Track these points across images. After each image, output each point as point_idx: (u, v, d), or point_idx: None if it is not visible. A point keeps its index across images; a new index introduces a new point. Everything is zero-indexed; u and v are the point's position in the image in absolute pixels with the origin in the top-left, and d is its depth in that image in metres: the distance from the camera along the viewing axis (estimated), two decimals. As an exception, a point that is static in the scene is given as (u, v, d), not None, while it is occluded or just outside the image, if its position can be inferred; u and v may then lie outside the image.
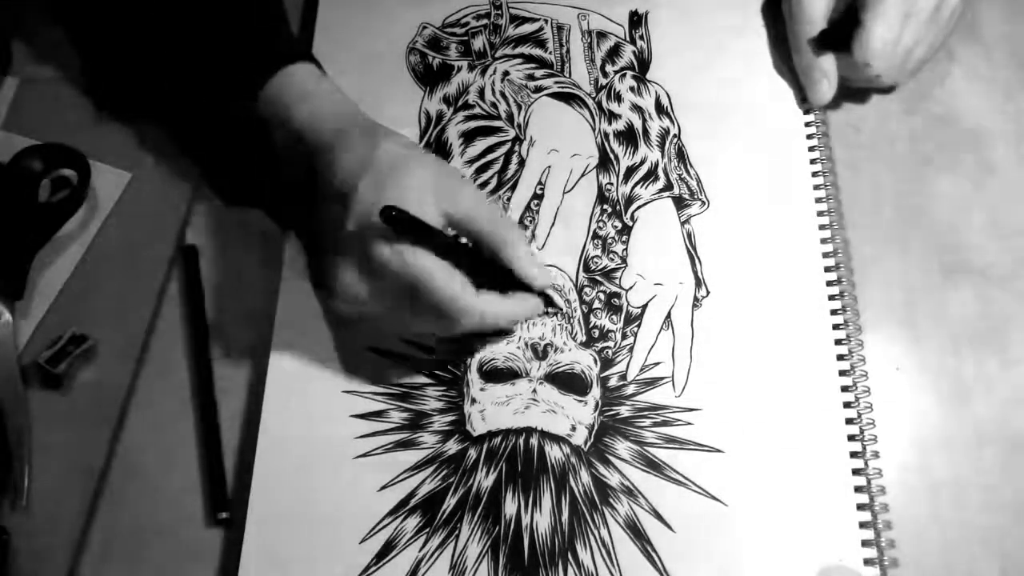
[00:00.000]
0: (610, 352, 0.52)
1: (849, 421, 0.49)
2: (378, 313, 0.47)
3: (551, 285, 0.49)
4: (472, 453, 0.50)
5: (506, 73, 0.61)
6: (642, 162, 0.57)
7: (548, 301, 0.50)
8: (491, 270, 0.47)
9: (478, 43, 0.62)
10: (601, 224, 0.56)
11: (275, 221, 0.56)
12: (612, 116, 0.59)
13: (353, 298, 0.47)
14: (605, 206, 0.56)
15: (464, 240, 0.47)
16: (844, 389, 0.50)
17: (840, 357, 0.50)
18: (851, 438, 0.48)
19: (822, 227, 0.54)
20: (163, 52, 0.54)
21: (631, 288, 0.54)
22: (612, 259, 0.55)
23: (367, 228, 0.45)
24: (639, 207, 0.56)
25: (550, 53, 0.62)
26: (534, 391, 0.51)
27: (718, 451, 0.49)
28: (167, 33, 0.53)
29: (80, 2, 0.58)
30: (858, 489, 0.47)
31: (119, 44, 0.58)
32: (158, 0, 0.53)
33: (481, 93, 0.60)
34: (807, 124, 0.57)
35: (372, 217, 0.44)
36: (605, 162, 0.58)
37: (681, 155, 0.57)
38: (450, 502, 0.49)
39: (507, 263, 0.46)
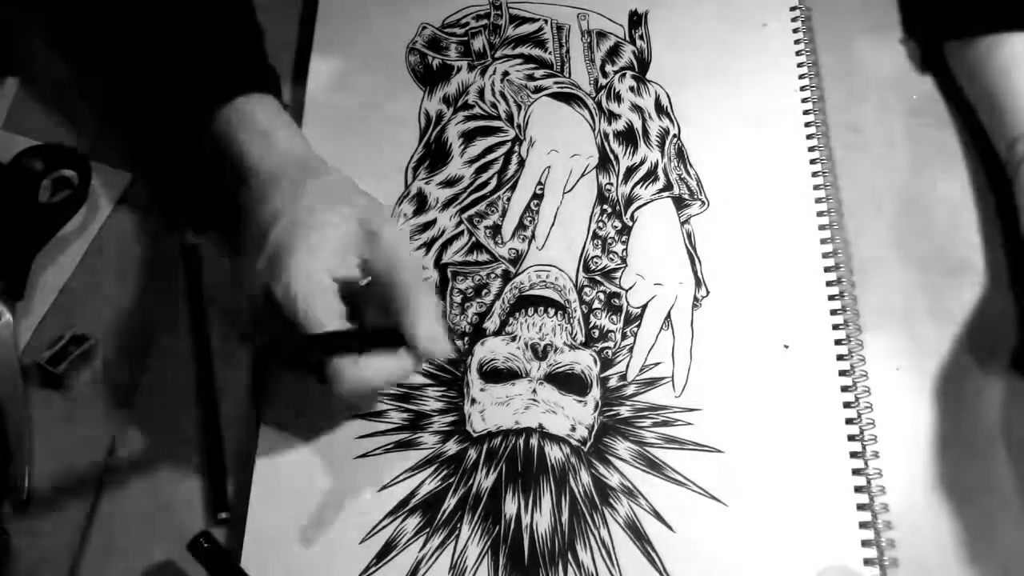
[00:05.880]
0: (610, 352, 0.52)
1: (849, 421, 0.49)
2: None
3: (434, 356, 0.44)
4: (472, 453, 0.50)
5: (506, 73, 0.61)
6: (642, 162, 0.57)
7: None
8: (386, 331, 0.45)
9: (478, 43, 0.62)
10: (601, 224, 0.56)
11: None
12: (612, 116, 0.59)
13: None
14: (605, 206, 0.56)
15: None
16: (844, 389, 0.49)
17: (840, 357, 0.50)
18: (851, 438, 0.48)
19: (822, 227, 0.54)
20: (136, 55, 0.53)
21: (631, 288, 0.54)
22: (612, 259, 0.55)
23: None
24: (639, 207, 0.56)
25: (550, 53, 0.62)
26: (534, 391, 0.51)
27: (718, 451, 0.49)
28: (142, 36, 0.53)
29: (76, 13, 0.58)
30: (858, 489, 0.47)
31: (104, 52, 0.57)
32: (138, 9, 0.53)
33: (481, 93, 0.60)
34: (807, 124, 0.57)
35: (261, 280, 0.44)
36: (605, 162, 0.58)
37: (681, 155, 0.57)
38: (450, 502, 0.49)
39: (403, 328, 0.43)
